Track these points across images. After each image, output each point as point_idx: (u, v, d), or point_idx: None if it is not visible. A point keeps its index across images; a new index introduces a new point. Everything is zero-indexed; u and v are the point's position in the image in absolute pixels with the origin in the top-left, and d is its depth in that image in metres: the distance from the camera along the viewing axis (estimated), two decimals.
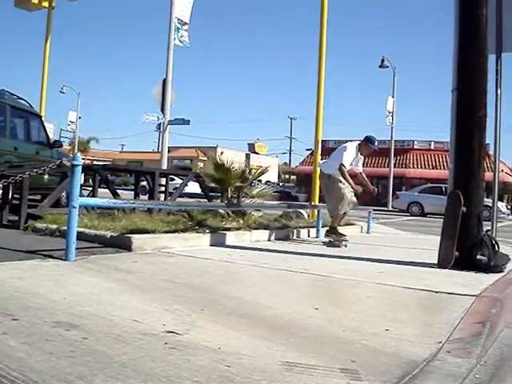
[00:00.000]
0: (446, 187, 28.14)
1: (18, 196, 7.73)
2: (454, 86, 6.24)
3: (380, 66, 34.94)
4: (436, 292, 4.44)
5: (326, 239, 8.45)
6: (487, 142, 6.60)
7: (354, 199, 8.56)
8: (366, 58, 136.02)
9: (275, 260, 5.91)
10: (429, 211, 27.61)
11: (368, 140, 8.58)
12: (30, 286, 3.72)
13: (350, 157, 8.38)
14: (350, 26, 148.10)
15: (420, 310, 3.90)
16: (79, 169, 5.06)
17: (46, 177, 9.75)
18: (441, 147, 46.77)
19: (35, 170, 6.04)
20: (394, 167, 39.51)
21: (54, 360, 2.25)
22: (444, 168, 42.49)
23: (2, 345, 2.39)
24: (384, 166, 43.45)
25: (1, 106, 10.31)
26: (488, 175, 6.27)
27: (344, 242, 8.21)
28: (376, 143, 8.70)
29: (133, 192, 10.77)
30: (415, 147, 48.92)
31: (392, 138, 36.87)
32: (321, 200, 12.00)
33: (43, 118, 12.90)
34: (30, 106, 12.01)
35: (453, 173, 6.22)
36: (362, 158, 8.75)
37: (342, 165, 8.19)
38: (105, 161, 49.82)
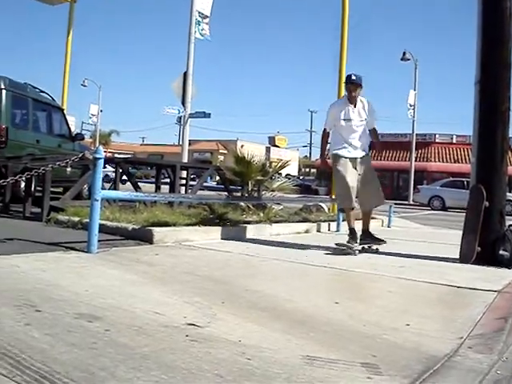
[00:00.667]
0: (468, 181, 27.83)
1: (40, 188, 7.81)
2: (477, 79, 6.17)
3: (402, 59, 34.73)
4: (457, 287, 4.41)
5: (358, 246, 6.47)
6: (510, 136, 6.52)
7: (377, 192, 6.87)
8: (387, 51, 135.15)
9: (296, 254, 5.90)
10: (450, 205, 27.44)
11: (345, 83, 6.98)
12: (52, 278, 3.76)
13: (330, 116, 6.90)
14: (370, 18, 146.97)
15: (441, 305, 3.87)
16: (101, 162, 5.08)
17: (68, 169, 9.86)
18: (463, 141, 46.36)
19: (58, 163, 6.09)
20: (416, 161, 39.29)
21: (77, 351, 2.27)
22: (466, 162, 42.15)
23: (25, 336, 2.41)
24: (405, 160, 43.23)
25: (23, 99, 10.43)
26: (511, 169, 6.20)
27: (375, 246, 6.65)
28: (353, 76, 6.76)
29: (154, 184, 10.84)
30: (437, 141, 48.53)
31: (413, 131, 36.70)
32: None
33: (65, 111, 13.00)
34: (52, 99, 12.13)
35: (475, 167, 6.15)
36: (355, 107, 6.77)
37: (323, 131, 7.13)
38: (126, 153, 50.13)
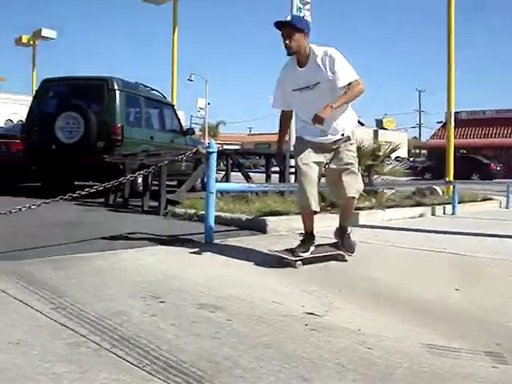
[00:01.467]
0: None
1: (156, 182, 8.10)
2: None
3: None
4: None
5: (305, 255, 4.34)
6: None
7: (347, 190, 4.46)
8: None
9: (410, 239, 5.80)
10: None
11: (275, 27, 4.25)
12: (172, 270, 3.91)
13: (278, 88, 4.55)
14: None
15: None
16: (214, 155, 5.20)
17: (182, 164, 10.16)
18: None
19: (174, 158, 6.30)
20: None
21: (201, 341, 2.36)
22: None
23: (151, 327, 2.53)
24: None
25: (136, 98, 10.83)
26: None
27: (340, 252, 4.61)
28: (288, 17, 4.25)
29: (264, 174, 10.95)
30: None
31: None
32: (455, 176, 11.62)
33: (175, 107, 13.39)
34: (163, 96, 12.53)
35: None
36: (304, 66, 4.26)
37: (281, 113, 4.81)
38: (234, 144, 51.05)
